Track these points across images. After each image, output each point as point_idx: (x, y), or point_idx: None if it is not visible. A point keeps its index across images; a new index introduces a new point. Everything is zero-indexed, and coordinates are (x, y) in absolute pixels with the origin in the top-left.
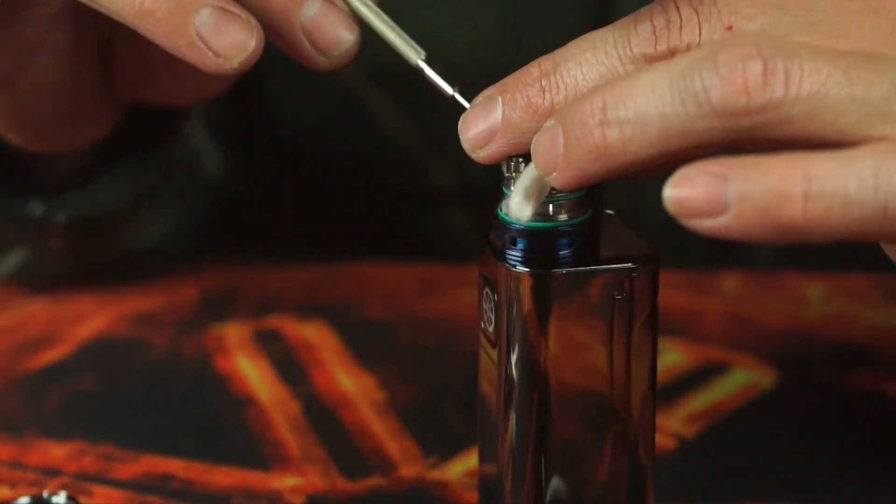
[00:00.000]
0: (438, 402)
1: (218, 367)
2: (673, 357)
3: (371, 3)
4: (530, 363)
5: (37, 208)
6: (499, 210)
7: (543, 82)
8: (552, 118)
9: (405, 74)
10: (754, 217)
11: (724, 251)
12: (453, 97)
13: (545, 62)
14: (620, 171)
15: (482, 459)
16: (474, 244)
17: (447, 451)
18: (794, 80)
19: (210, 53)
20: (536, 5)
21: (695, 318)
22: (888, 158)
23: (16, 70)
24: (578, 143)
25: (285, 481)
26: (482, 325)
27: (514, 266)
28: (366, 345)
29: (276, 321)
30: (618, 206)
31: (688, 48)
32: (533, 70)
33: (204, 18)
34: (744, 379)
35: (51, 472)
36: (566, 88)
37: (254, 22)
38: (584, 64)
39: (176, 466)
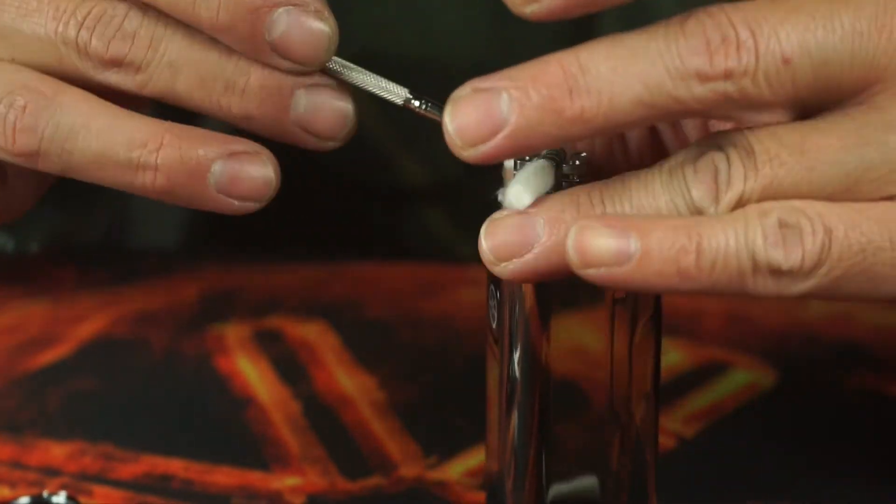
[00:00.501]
0: (439, 402)
1: (218, 367)
2: (673, 357)
3: (346, 62)
4: (531, 362)
5: (7, 243)
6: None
7: (571, 83)
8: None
9: (376, 69)
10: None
11: None
12: None
13: (567, 61)
14: None
15: (488, 459)
16: (450, 243)
17: (447, 450)
18: None
19: (235, 202)
20: (514, 30)
21: (695, 318)
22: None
23: (9, 206)
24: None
25: (285, 481)
26: (489, 324)
27: None
28: (366, 345)
29: (276, 321)
30: None
31: (744, 75)
32: (553, 68)
33: (217, 175)
34: (744, 379)
35: (51, 471)
36: (600, 95)
37: (264, 151)
38: (619, 70)
39: (176, 466)
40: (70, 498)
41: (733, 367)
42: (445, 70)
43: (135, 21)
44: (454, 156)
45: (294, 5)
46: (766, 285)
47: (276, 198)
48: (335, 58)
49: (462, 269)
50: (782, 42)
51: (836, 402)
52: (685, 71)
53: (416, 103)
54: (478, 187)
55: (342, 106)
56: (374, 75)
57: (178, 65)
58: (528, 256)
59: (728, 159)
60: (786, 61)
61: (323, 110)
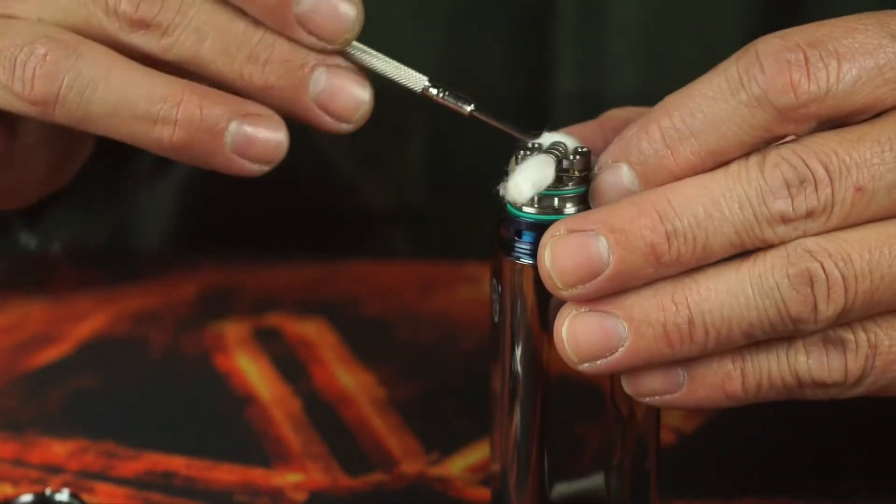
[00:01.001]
0: (438, 399)
1: (218, 365)
2: None
3: (367, 48)
4: (532, 358)
5: (30, 242)
6: (507, 204)
7: (668, 227)
8: None
9: None
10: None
11: None
12: (471, 114)
13: (660, 204)
14: None
15: (491, 457)
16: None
17: (448, 447)
18: None
19: (247, 163)
20: (474, 24)
21: None
22: None
23: (18, 180)
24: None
25: (287, 478)
26: (492, 319)
27: (519, 258)
28: (365, 342)
29: (275, 319)
30: None
31: (823, 211)
32: (646, 210)
33: (233, 135)
34: None
35: (53, 469)
36: (696, 241)
37: (276, 115)
38: (713, 215)
39: (178, 464)
40: (73, 495)
41: None
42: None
43: None
44: (417, 179)
45: None
46: (815, 394)
47: (244, 219)
48: (356, 42)
49: (460, 266)
50: (853, 173)
51: (836, 400)
52: (771, 216)
53: (434, 91)
54: (440, 210)
55: (360, 89)
56: (394, 62)
57: (204, 31)
58: (612, 358)
59: (824, 269)
60: (858, 189)
61: (341, 91)
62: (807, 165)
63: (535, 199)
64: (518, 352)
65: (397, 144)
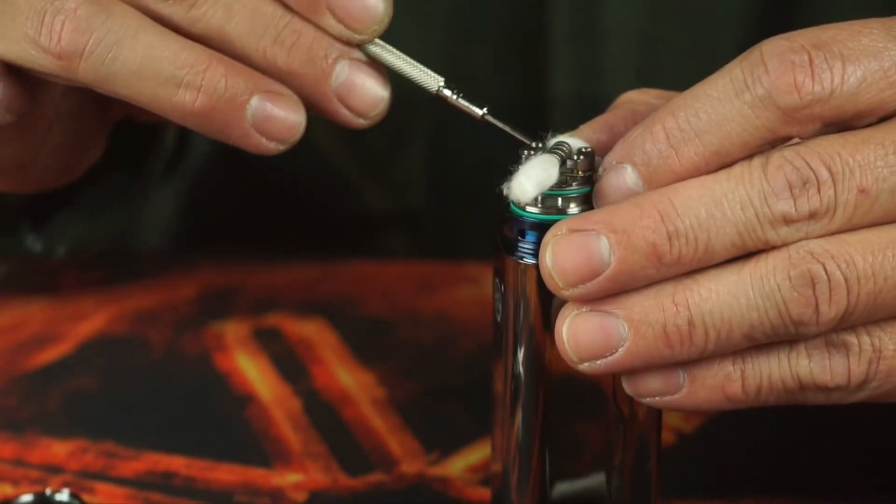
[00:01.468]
0: (438, 399)
1: (218, 365)
2: None
3: (386, 45)
4: (535, 358)
5: (35, 245)
6: (511, 203)
7: (670, 227)
8: None
9: None
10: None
11: None
12: (483, 117)
13: (662, 205)
14: None
15: (492, 457)
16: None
17: (448, 447)
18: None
19: (264, 140)
20: (471, 28)
21: None
22: None
23: (31, 154)
24: None
25: (287, 478)
26: (494, 319)
27: (522, 258)
28: (365, 342)
29: (275, 319)
30: None
31: (826, 213)
32: (648, 211)
33: (254, 109)
34: None
35: (53, 469)
36: (697, 241)
37: (296, 96)
38: (715, 215)
39: (178, 464)
40: (73, 495)
41: None
42: (406, 96)
43: None
44: (417, 182)
45: None
46: (817, 398)
47: (244, 221)
48: (377, 39)
49: (460, 266)
50: (857, 175)
51: (838, 404)
52: (773, 217)
53: (448, 92)
54: (440, 214)
55: (379, 87)
56: (412, 61)
57: (233, 8)
58: (612, 358)
59: (826, 271)
60: (862, 191)
61: (362, 86)
62: (810, 167)
63: (539, 198)
64: (521, 352)
65: (398, 147)
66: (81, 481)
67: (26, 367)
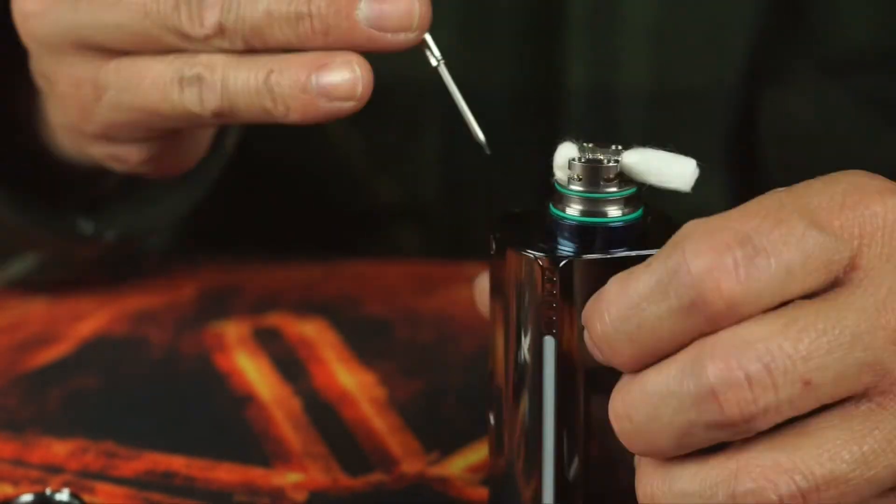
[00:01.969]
0: (439, 399)
1: (218, 365)
2: None
3: None
4: (560, 347)
5: (87, 226)
6: (550, 205)
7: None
8: None
9: None
10: None
11: None
12: (437, 67)
13: (616, 411)
14: None
15: (493, 454)
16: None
17: (448, 446)
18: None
19: (388, 34)
20: (486, 19)
21: None
22: None
23: (167, 150)
24: None
25: (287, 478)
26: (503, 315)
27: (558, 253)
28: (365, 342)
29: (275, 319)
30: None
31: (766, 411)
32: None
33: (365, 11)
34: None
35: (53, 469)
36: (645, 440)
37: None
38: (653, 419)
39: (178, 463)
40: (73, 495)
41: None
42: (420, 88)
43: None
44: (428, 176)
45: None
46: None
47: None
48: None
49: (460, 266)
50: (799, 368)
51: None
52: (706, 424)
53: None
54: (450, 208)
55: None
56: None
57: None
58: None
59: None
60: (806, 383)
61: (388, 8)
62: (742, 368)
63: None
64: (525, 342)
65: (410, 140)
66: (81, 481)
67: (26, 367)
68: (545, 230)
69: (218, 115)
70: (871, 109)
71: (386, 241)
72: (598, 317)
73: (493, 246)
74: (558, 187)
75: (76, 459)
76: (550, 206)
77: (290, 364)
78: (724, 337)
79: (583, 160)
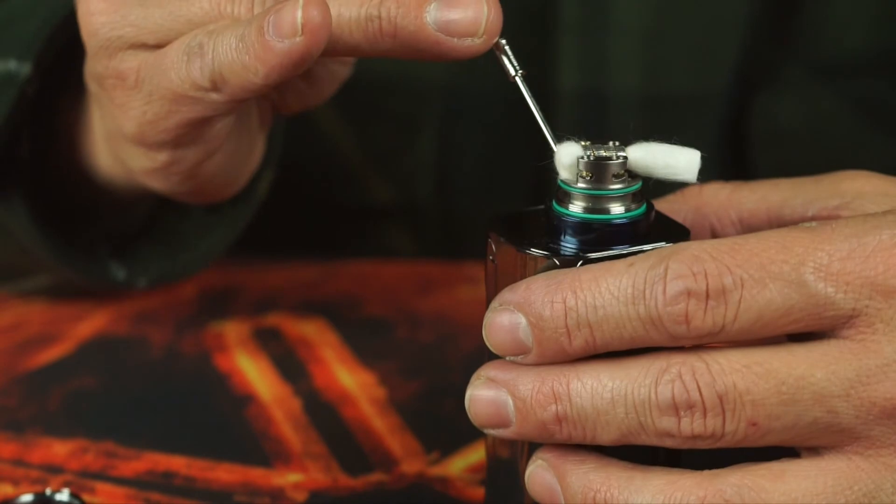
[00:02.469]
0: (439, 399)
1: (218, 365)
2: None
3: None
4: None
5: (119, 272)
6: (553, 202)
7: (560, 410)
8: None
9: (352, 86)
10: None
11: None
12: (514, 78)
13: (558, 384)
14: None
15: (491, 454)
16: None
17: (448, 447)
18: None
19: (455, 39)
20: None
21: None
22: None
23: (202, 161)
24: None
25: (287, 478)
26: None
27: (568, 253)
28: (365, 342)
29: (275, 319)
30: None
31: (710, 438)
32: (547, 388)
33: (434, 14)
34: None
35: (53, 469)
36: (584, 428)
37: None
38: (601, 413)
39: (178, 463)
40: (73, 495)
41: None
42: (416, 88)
43: None
44: (424, 176)
45: None
46: None
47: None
48: None
49: (460, 266)
50: (748, 410)
51: None
52: (656, 430)
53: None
54: (445, 208)
55: (473, 4)
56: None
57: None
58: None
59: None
60: (752, 424)
61: (455, 14)
62: (700, 392)
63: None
64: None
65: (407, 139)
66: (81, 481)
67: (26, 367)
68: (548, 229)
69: (213, 83)
70: (862, 113)
71: (380, 241)
72: (571, 291)
73: (494, 247)
74: (564, 185)
75: (76, 459)
76: (554, 204)
77: (290, 364)
78: (689, 358)
79: (591, 157)
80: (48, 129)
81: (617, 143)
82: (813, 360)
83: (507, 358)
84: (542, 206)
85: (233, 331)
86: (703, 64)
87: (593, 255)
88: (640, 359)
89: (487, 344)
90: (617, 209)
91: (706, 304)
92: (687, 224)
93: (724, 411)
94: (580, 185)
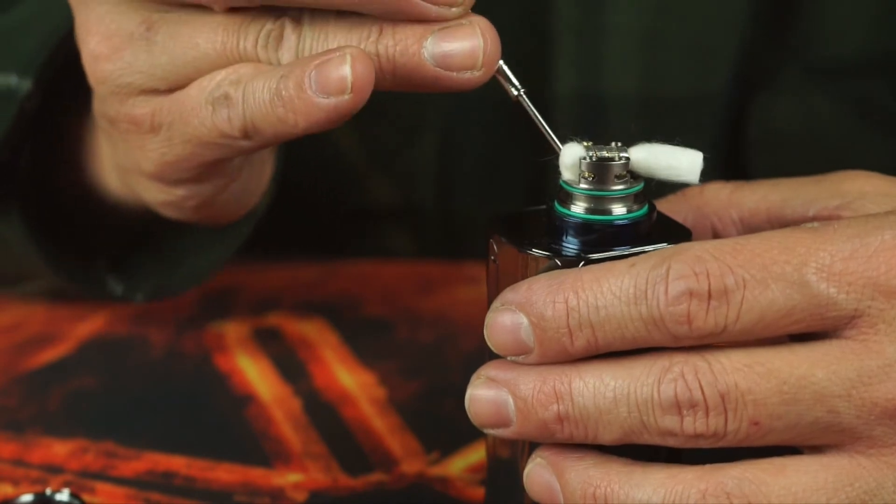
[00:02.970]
0: (439, 399)
1: (218, 365)
2: None
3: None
4: None
5: (116, 287)
6: (555, 203)
7: (562, 409)
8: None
9: None
10: None
11: None
12: (517, 97)
13: (560, 383)
14: None
15: (491, 454)
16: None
17: (448, 447)
18: None
19: (454, 74)
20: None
21: None
22: None
23: (220, 193)
24: None
25: (287, 478)
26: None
27: (569, 253)
28: (365, 342)
29: (275, 319)
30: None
31: (713, 437)
32: (549, 387)
33: (430, 49)
34: None
35: (53, 469)
36: (586, 428)
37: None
38: (603, 412)
39: (178, 464)
40: (73, 495)
41: None
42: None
43: None
44: (425, 178)
45: None
46: None
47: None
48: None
49: (460, 266)
50: (750, 409)
51: None
52: (658, 428)
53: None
54: (446, 210)
55: (469, 38)
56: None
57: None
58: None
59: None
60: (755, 424)
61: (453, 49)
62: (702, 391)
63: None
64: None
65: (408, 141)
66: (81, 481)
67: (26, 367)
68: (550, 229)
69: (244, 132)
70: (860, 115)
71: (380, 241)
72: (573, 291)
73: (495, 247)
74: (566, 186)
75: (76, 459)
76: (556, 205)
77: (290, 364)
78: (692, 358)
79: (594, 158)
80: (49, 144)
81: (619, 144)
82: (814, 359)
83: (509, 358)
84: (543, 207)
85: (233, 331)
86: (702, 65)
87: (595, 256)
88: (642, 358)
89: (489, 344)
90: (619, 210)
91: (708, 304)
92: (688, 224)
93: (726, 410)
94: (582, 185)
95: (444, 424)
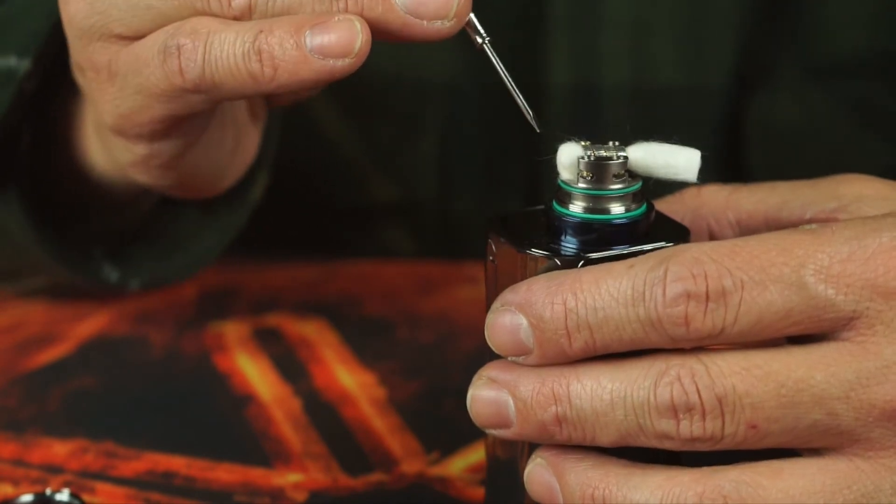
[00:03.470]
0: (439, 399)
1: (218, 365)
2: None
3: None
4: None
5: (112, 274)
6: (553, 202)
7: (560, 411)
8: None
9: (353, 86)
10: None
11: None
12: (481, 45)
13: (558, 384)
14: None
15: (493, 445)
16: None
17: (448, 447)
18: None
19: (424, 21)
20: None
21: None
22: None
23: (181, 154)
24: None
25: (287, 478)
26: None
27: (569, 253)
28: (365, 342)
29: (275, 319)
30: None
31: (710, 440)
32: (548, 388)
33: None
34: None
35: (53, 469)
36: (584, 430)
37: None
38: (600, 415)
39: (178, 464)
40: (73, 495)
41: None
42: (419, 87)
43: None
44: (426, 175)
45: None
46: None
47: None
48: None
49: (460, 266)
50: (748, 412)
51: None
52: (655, 431)
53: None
54: (446, 208)
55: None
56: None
57: None
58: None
59: None
60: (752, 427)
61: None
62: (699, 394)
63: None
64: None
65: (409, 139)
66: (81, 481)
67: (26, 367)
68: (548, 229)
69: (198, 86)
70: (857, 114)
71: (381, 241)
72: (572, 292)
73: (494, 247)
74: (565, 185)
75: (76, 459)
76: (554, 204)
77: (290, 364)
78: (689, 361)
79: (591, 157)
80: (46, 126)
81: (617, 143)
82: (812, 362)
83: (509, 358)
84: (542, 207)
85: (233, 331)
86: (695, 59)
87: (594, 256)
88: (639, 361)
89: (490, 344)
90: (617, 209)
91: (706, 306)
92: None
93: (723, 413)
94: (581, 185)
95: (444, 424)
